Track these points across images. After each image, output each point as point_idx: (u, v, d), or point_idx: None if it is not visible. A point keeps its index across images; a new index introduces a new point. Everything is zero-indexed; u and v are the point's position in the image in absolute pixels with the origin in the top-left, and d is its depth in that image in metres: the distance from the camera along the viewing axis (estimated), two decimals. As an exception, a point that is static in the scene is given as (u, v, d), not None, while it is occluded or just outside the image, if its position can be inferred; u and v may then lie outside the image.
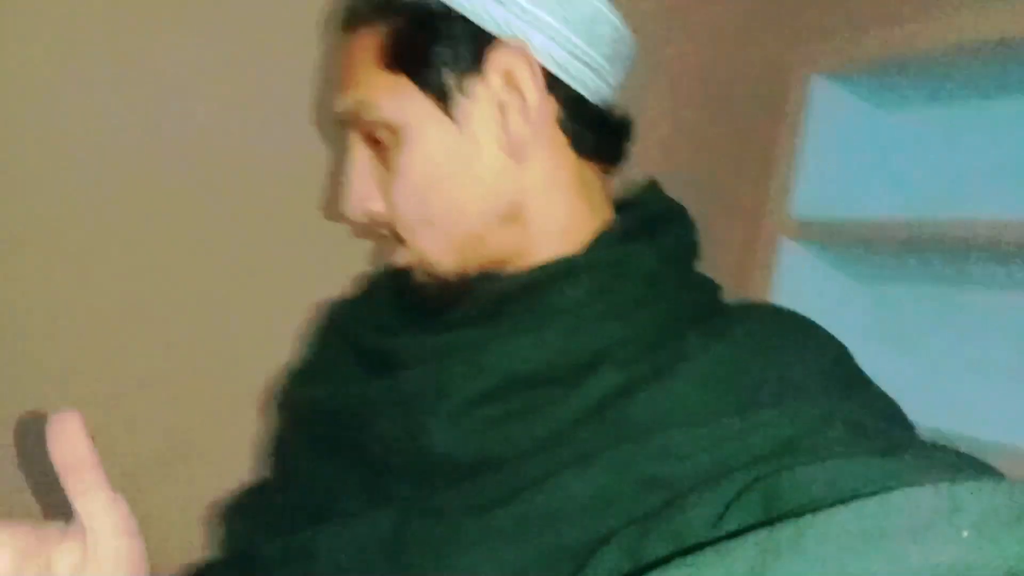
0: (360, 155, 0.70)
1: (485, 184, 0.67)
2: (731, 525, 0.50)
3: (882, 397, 0.64)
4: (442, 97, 0.65)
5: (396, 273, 0.79)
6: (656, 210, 0.73)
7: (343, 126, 0.71)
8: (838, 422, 0.56)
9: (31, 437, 1.00)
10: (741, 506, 0.51)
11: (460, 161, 0.66)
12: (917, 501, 0.42)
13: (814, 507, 0.46)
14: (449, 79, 0.65)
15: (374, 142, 0.68)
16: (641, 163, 1.32)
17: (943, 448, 0.56)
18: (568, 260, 0.67)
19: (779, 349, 0.63)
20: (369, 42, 0.67)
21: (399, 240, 0.70)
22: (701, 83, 1.45)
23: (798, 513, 0.46)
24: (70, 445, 0.44)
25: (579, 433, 0.60)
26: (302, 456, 0.74)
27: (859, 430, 0.56)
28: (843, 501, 0.46)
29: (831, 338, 0.66)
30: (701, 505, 0.52)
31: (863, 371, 0.65)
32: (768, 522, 0.47)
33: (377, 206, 0.70)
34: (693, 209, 1.35)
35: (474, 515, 0.58)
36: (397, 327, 0.74)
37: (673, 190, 1.35)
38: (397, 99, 0.66)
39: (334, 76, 0.70)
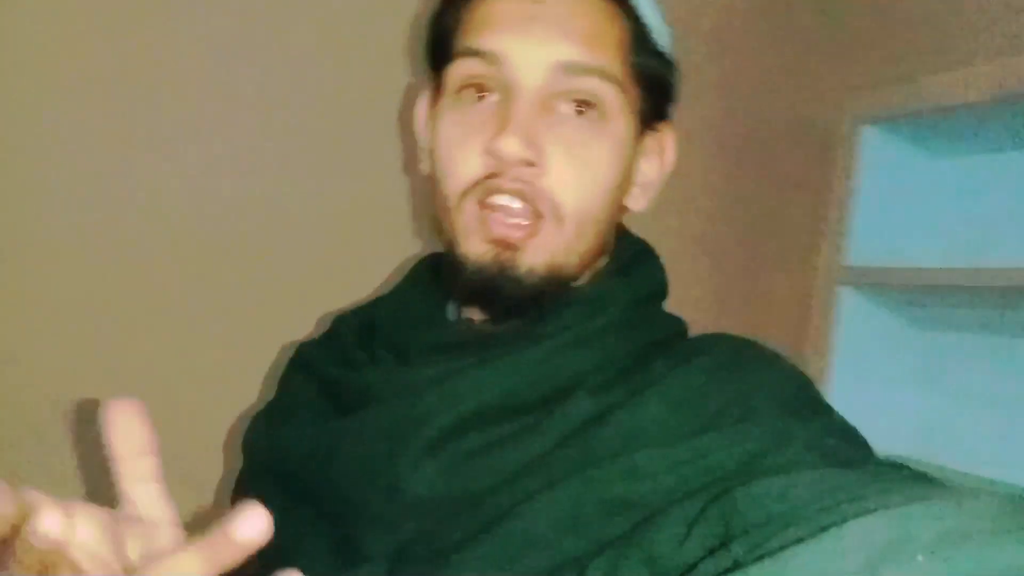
0: (533, 106, 0.65)
1: (621, 210, 0.73)
2: (694, 544, 0.52)
3: (841, 421, 0.64)
4: (644, 126, 0.72)
5: (367, 311, 0.80)
6: (629, 252, 0.76)
7: (540, 71, 0.65)
8: (796, 441, 0.57)
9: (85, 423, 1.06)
10: (704, 524, 0.53)
11: (626, 182, 0.71)
12: (871, 532, 0.43)
13: (769, 520, 0.49)
14: (651, 116, 0.72)
15: (575, 105, 0.66)
16: (695, 217, 1.35)
17: (895, 465, 0.57)
18: (572, 293, 0.70)
19: (742, 375, 0.65)
20: (616, 25, 0.68)
21: (528, 219, 0.65)
22: (750, 137, 1.48)
23: (756, 527, 0.49)
24: (131, 432, 0.42)
25: (552, 460, 0.61)
26: (267, 502, 0.73)
27: (816, 448, 0.57)
28: (795, 512, 0.48)
29: (792, 367, 0.68)
30: (668, 526, 0.54)
31: (823, 398, 0.67)
32: (728, 539, 0.50)
33: (539, 162, 0.65)
34: (748, 259, 1.43)
35: (450, 555, 0.59)
36: (366, 363, 0.73)
37: (727, 243, 1.43)
38: (625, 94, 0.68)
39: (564, 20, 0.66)
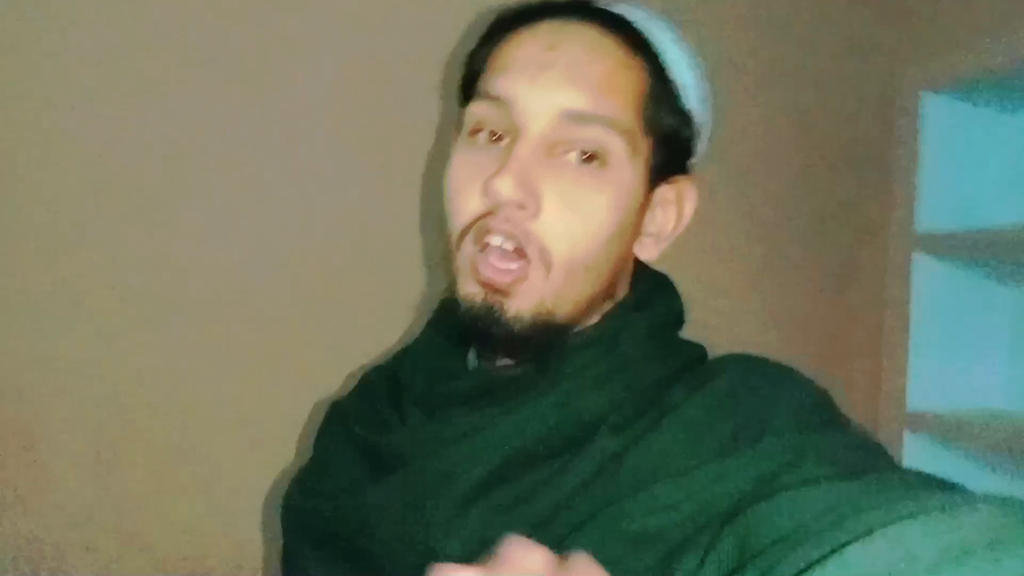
0: (535, 152, 0.66)
1: (627, 257, 0.72)
2: (710, 570, 0.53)
3: (859, 433, 0.64)
4: (656, 177, 0.71)
5: (393, 363, 0.81)
6: (644, 286, 0.75)
7: (540, 113, 0.65)
8: (810, 456, 0.57)
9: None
10: (719, 548, 0.53)
11: (632, 230, 0.71)
12: (873, 558, 0.43)
13: (779, 539, 0.49)
14: (664, 169, 0.71)
15: (578, 154, 0.66)
16: (767, 193, 1.34)
17: (912, 472, 0.57)
18: (583, 334, 0.70)
19: (755, 395, 0.65)
20: (632, 77, 0.68)
21: (516, 261, 0.65)
22: (817, 109, 1.50)
23: (766, 548, 0.49)
24: None
25: (579, 502, 0.61)
26: (309, 567, 0.73)
27: (830, 462, 0.57)
28: (804, 529, 0.49)
29: (809, 382, 0.68)
30: (688, 555, 0.55)
31: (840, 411, 0.67)
32: (742, 562, 0.50)
33: (530, 205, 0.65)
34: (822, 231, 1.48)
35: None
36: (396, 421, 0.73)
37: (800, 216, 1.48)
38: (633, 145, 0.68)
39: (576, 68, 0.66)
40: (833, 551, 0.44)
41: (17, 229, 1.06)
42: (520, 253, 0.65)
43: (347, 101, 1.20)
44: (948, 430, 1.34)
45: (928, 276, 1.44)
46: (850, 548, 0.44)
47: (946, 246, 1.41)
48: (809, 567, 0.44)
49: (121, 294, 1.11)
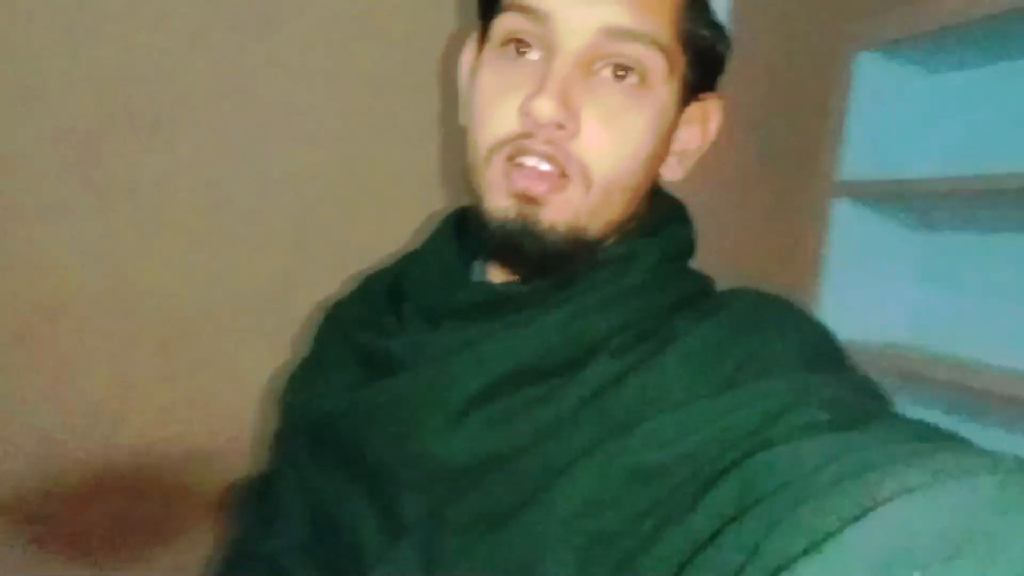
0: (573, 69, 0.63)
1: (655, 177, 0.71)
2: (704, 514, 0.52)
3: (862, 377, 0.64)
4: (689, 95, 0.69)
5: (395, 269, 0.80)
6: (659, 212, 0.74)
7: (587, 33, 0.63)
8: (814, 398, 0.56)
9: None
10: (717, 491, 0.52)
11: (663, 150, 0.69)
12: (872, 544, 0.41)
13: (781, 488, 0.48)
14: (696, 87, 0.69)
15: (616, 70, 0.64)
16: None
17: (913, 421, 0.56)
18: (598, 254, 0.69)
19: (761, 330, 0.64)
20: None
21: (550, 184, 0.64)
22: (757, 63, 1.55)
23: (768, 497, 0.48)
24: None
25: (574, 424, 0.61)
26: (305, 463, 0.75)
27: (833, 405, 0.56)
28: (807, 481, 0.47)
29: (813, 320, 0.68)
30: (684, 497, 0.55)
31: (843, 351, 0.67)
32: (743, 508, 0.50)
33: (570, 126, 0.63)
34: (756, 176, 1.54)
35: (483, 528, 0.60)
36: (395, 326, 0.73)
37: (737, 161, 1.53)
38: (671, 62, 0.65)
39: None
40: (830, 534, 0.42)
41: (40, 132, 1.05)
42: (561, 173, 0.63)
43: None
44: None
45: (846, 218, 1.57)
46: (849, 531, 0.41)
47: (864, 192, 1.53)
48: (812, 544, 0.42)
49: (135, 189, 1.10)
